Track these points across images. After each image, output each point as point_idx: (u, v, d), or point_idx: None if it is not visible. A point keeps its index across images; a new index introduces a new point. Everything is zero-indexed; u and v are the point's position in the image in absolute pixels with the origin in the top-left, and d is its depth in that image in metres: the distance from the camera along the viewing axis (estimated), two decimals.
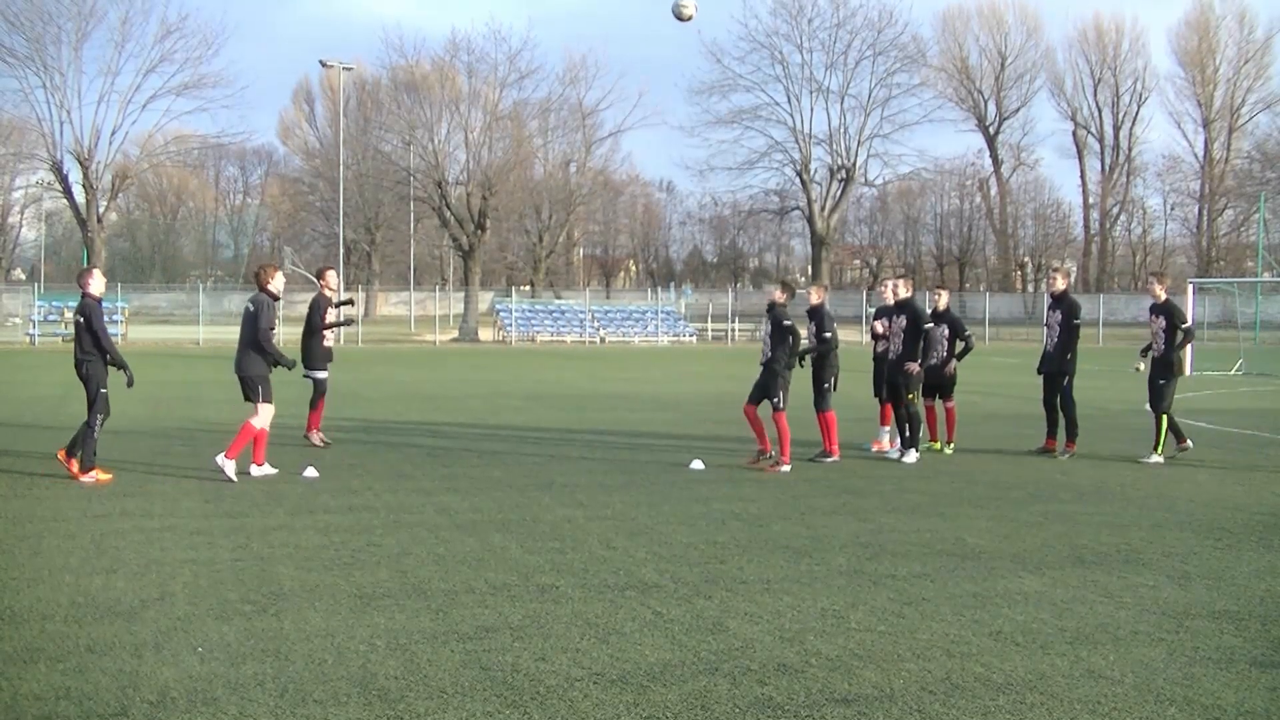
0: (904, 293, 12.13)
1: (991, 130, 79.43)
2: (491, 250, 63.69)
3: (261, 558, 6.98)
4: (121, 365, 9.84)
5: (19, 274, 78.55)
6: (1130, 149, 79.05)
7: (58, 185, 54.55)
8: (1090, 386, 20.32)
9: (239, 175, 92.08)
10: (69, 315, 41.42)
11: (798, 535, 7.89)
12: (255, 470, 10.13)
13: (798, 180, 67.36)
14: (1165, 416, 11.82)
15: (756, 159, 67.78)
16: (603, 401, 19.11)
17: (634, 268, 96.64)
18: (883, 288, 12.70)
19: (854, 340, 43.69)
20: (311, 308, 12.56)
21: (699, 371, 28.87)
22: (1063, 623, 5.78)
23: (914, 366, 11.61)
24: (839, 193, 67.52)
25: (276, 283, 10.45)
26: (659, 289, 71.06)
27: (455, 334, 50.59)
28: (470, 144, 53.82)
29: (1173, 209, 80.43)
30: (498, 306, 53.27)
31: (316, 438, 12.31)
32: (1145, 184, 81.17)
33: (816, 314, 11.57)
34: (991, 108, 79.31)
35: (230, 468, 9.78)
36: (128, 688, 4.65)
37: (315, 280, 13.28)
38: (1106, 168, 79.75)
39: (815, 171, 67.34)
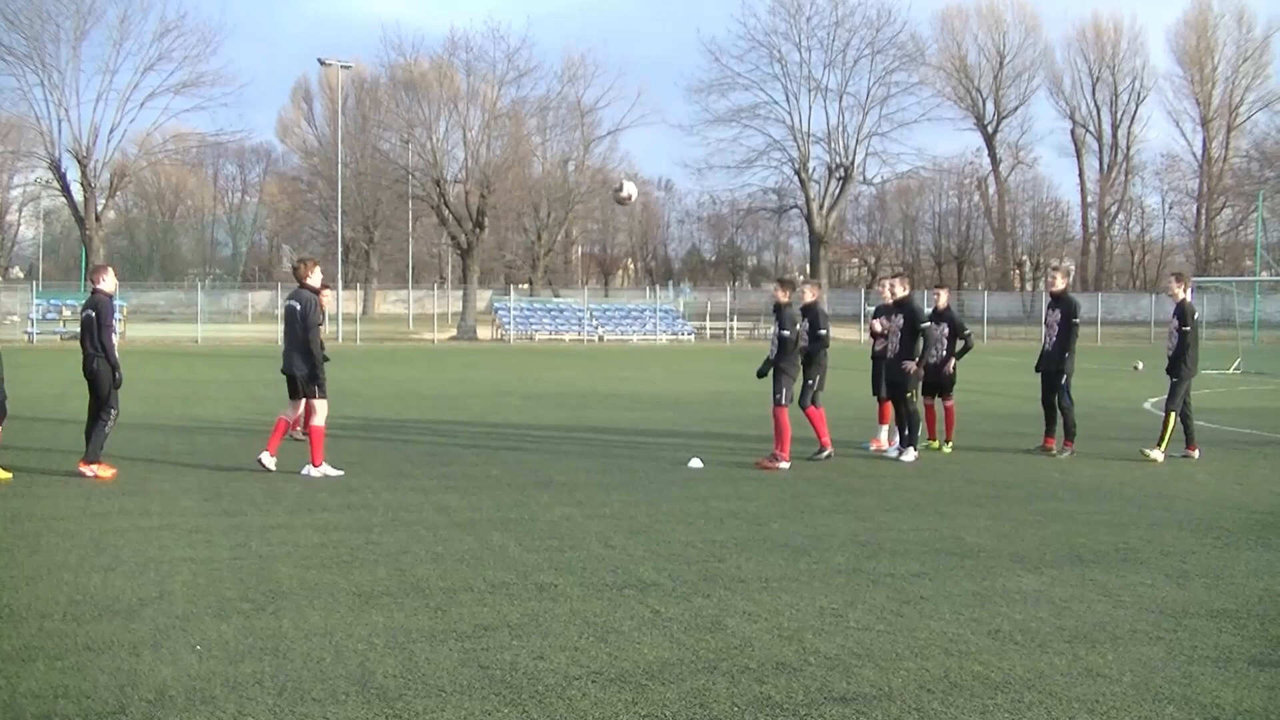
0: (901, 291, 12.13)
1: (990, 129, 79.29)
2: (490, 248, 63.63)
3: (260, 556, 6.98)
4: (113, 364, 9.90)
5: (17, 272, 78.41)
6: (1129, 148, 79.03)
7: (56, 183, 54.52)
8: (1088, 385, 20.33)
9: (237, 174, 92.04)
10: (68, 313, 41.45)
11: (796, 534, 7.90)
12: (265, 457, 10.18)
13: (796, 179, 67.20)
14: (1174, 415, 11.86)
15: (755, 157, 67.64)
16: (601, 400, 19.11)
17: (632, 266, 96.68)
18: (881, 286, 12.71)
19: (852, 339, 43.77)
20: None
21: (697, 370, 28.85)
22: (1061, 621, 5.79)
23: (912, 365, 11.62)
24: (837, 191, 67.39)
25: (315, 277, 10.40)
26: (657, 287, 71.12)
27: (454, 332, 50.55)
28: (469, 142, 53.79)
29: (1171, 208, 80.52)
30: (496, 305, 53.28)
31: (299, 432, 12.36)
32: (1144, 183, 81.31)
33: (811, 312, 11.61)
34: (990, 106, 79.20)
35: (322, 471, 9.99)
36: (126, 686, 4.65)
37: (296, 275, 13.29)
38: (1105, 166, 79.68)
39: (814, 170, 67.21)
